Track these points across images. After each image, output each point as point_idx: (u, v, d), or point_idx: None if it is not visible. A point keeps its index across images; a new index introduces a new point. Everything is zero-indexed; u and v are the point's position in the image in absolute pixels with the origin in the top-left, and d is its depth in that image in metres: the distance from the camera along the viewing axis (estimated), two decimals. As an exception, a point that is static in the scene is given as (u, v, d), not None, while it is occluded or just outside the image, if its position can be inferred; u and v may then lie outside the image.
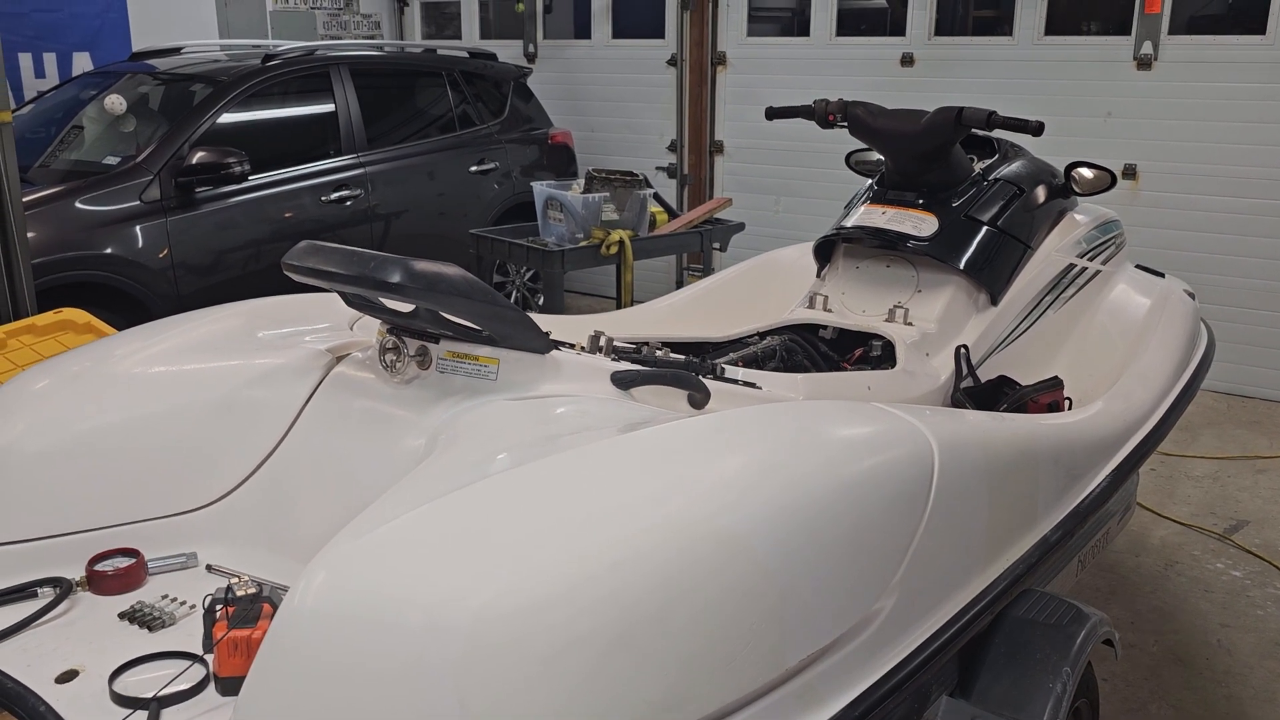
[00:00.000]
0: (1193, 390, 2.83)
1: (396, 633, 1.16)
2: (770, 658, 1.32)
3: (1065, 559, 2.49)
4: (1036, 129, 2.70)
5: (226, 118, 4.97)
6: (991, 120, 2.70)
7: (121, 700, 1.42)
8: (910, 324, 2.76)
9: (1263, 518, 3.97)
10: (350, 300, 1.94)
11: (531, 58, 7.32)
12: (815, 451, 1.51)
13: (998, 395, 2.67)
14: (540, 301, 6.32)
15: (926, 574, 1.60)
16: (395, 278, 1.66)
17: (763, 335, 2.87)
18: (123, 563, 1.73)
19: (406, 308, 1.83)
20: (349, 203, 5.29)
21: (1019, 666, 1.94)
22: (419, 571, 1.21)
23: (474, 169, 5.98)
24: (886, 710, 1.51)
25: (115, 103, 4.91)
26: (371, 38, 7.71)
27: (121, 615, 1.64)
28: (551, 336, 1.94)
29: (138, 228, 4.52)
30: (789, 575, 1.34)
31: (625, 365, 1.95)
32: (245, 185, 4.86)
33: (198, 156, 4.66)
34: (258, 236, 4.92)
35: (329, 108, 5.41)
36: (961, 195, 2.87)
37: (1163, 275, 3.28)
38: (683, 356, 2.26)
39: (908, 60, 5.99)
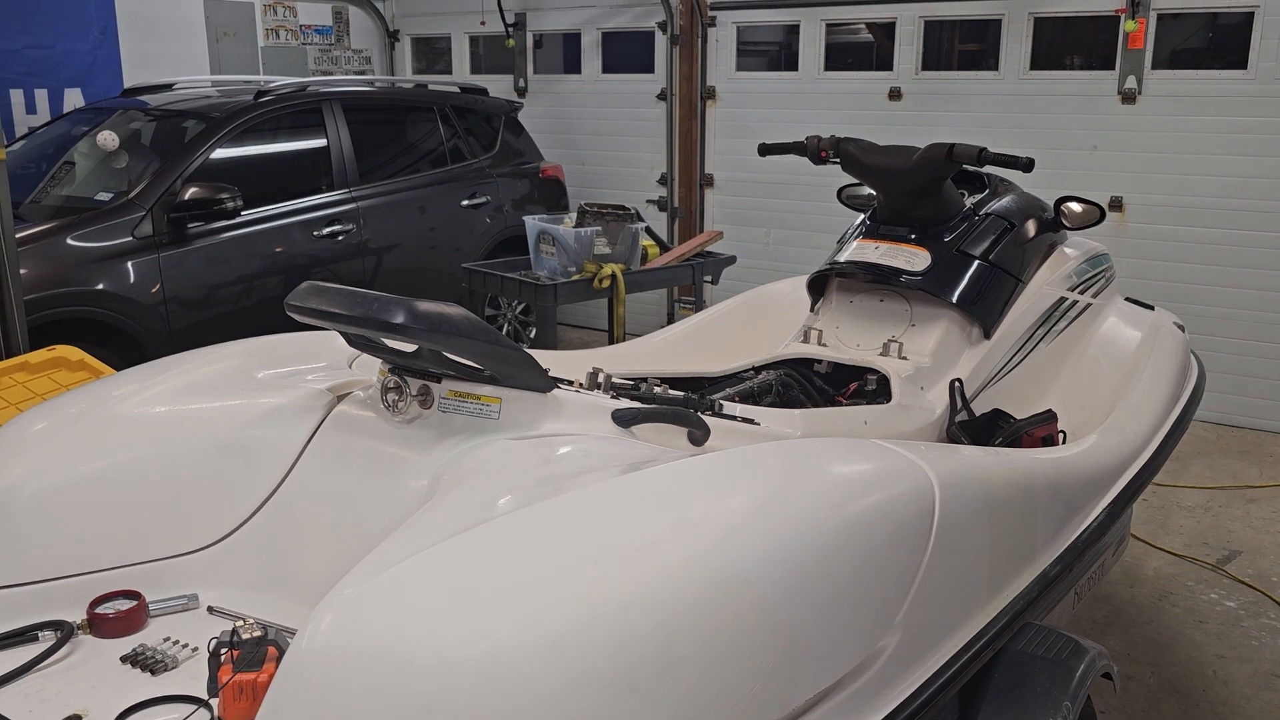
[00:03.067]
0: (1185, 423, 2.85)
1: (406, 675, 1.16)
2: (776, 697, 1.32)
3: (1063, 591, 2.50)
4: (1027, 165, 2.74)
5: (219, 153, 4.99)
6: (982, 156, 2.73)
7: (126, 746, 1.42)
8: (904, 358, 2.78)
9: (1255, 548, 3.99)
10: (352, 340, 1.95)
11: (522, 92, 7.37)
12: (817, 490, 1.52)
13: (992, 429, 2.69)
14: (532, 335, 6.33)
15: (929, 611, 1.60)
16: (399, 319, 1.67)
17: (758, 370, 2.89)
18: (124, 605, 1.72)
19: (409, 347, 1.83)
20: (341, 237, 5.30)
21: (1019, 701, 1.94)
22: (427, 614, 1.22)
23: (465, 203, 6.00)
24: (892, 749, 1.51)
25: (107, 139, 4.92)
26: (362, 73, 7.75)
27: (123, 658, 1.63)
28: (550, 374, 1.95)
29: (130, 263, 4.52)
30: (794, 615, 1.35)
31: (626, 403, 1.96)
32: (238, 221, 4.87)
33: (190, 192, 4.67)
34: (250, 272, 4.92)
35: (321, 143, 5.43)
36: (953, 230, 2.90)
37: (1152, 308, 3.31)
38: (681, 393, 2.27)
39: (895, 94, 6.06)
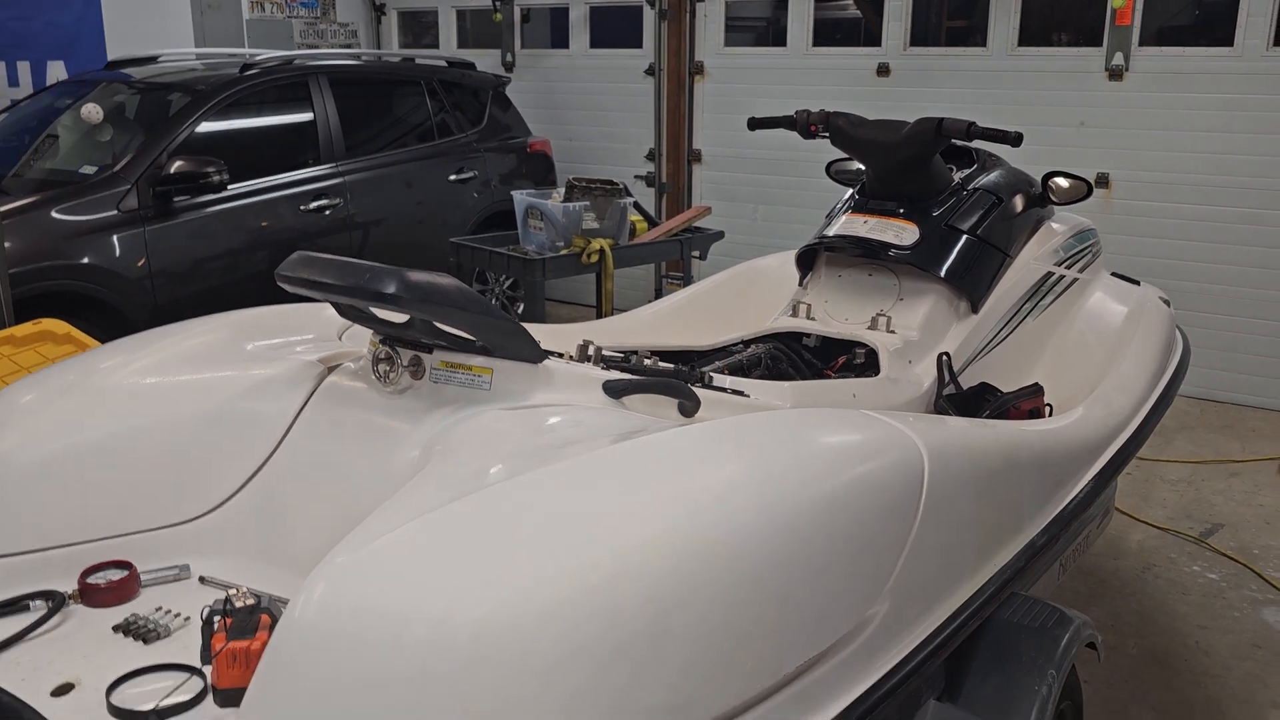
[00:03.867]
0: (1170, 396, 2.88)
1: (399, 644, 1.17)
2: (767, 664, 1.33)
3: (1048, 563, 2.52)
4: (1016, 140, 2.74)
5: (204, 127, 4.95)
6: (971, 131, 2.73)
7: (119, 713, 1.42)
8: (893, 332, 2.79)
9: (1237, 521, 4.03)
10: (343, 310, 1.94)
11: (509, 67, 7.33)
12: (808, 460, 1.53)
13: (980, 402, 2.70)
14: (520, 310, 6.33)
15: (918, 579, 1.62)
16: (391, 289, 1.66)
17: (747, 343, 2.90)
18: (115, 575, 1.73)
19: (400, 318, 1.83)
20: (328, 212, 5.28)
21: (1005, 670, 1.96)
22: (420, 583, 1.22)
23: (453, 178, 5.98)
24: (880, 715, 1.53)
25: (91, 111, 4.87)
26: (348, 46, 7.69)
27: (115, 628, 1.63)
28: (541, 347, 1.95)
29: (115, 237, 4.49)
30: (785, 583, 1.36)
31: (616, 374, 1.96)
32: (224, 194, 4.85)
33: (176, 166, 4.64)
34: (236, 246, 4.90)
35: (307, 117, 5.40)
36: (942, 205, 2.91)
37: (1138, 283, 3.33)
38: (672, 365, 2.28)
39: (883, 70, 6.05)
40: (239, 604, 1.52)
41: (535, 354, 1.86)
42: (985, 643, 1.99)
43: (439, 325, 1.81)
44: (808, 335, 2.88)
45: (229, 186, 4.83)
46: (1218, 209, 5.29)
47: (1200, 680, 3.01)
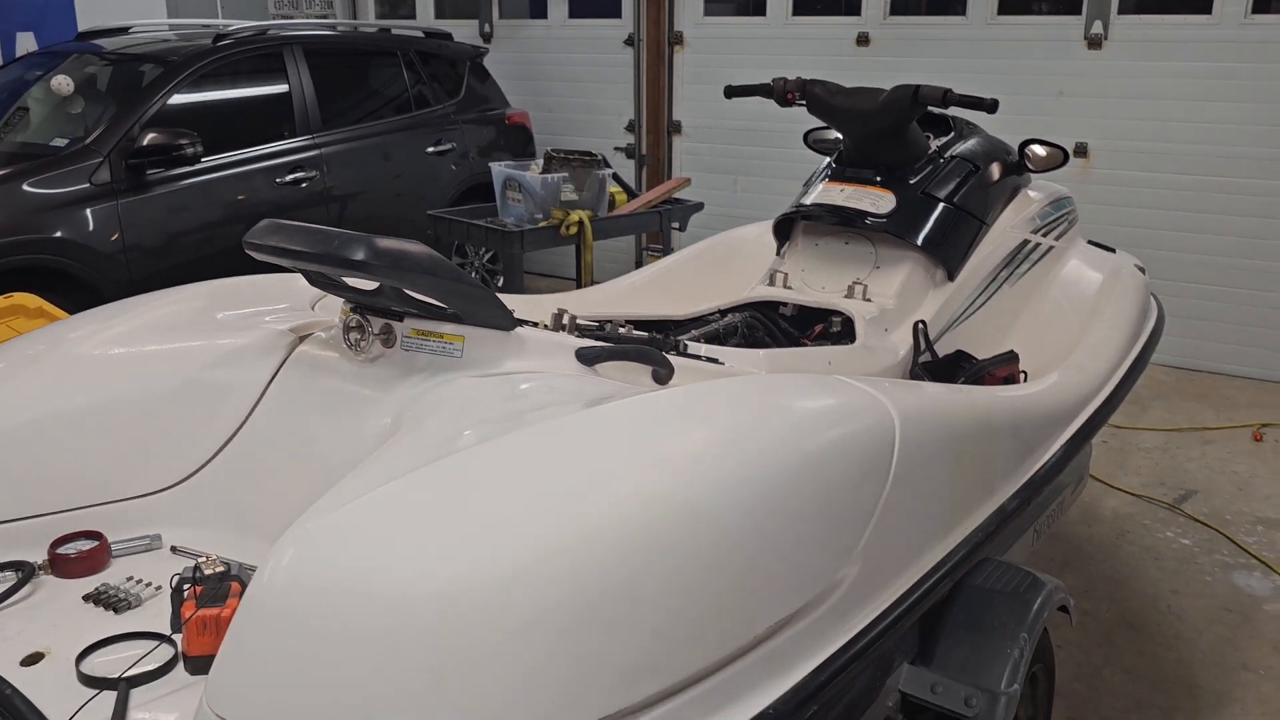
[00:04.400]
0: (1144, 362, 2.89)
1: (368, 607, 1.17)
2: (738, 626, 1.34)
3: (1022, 528, 2.54)
4: (991, 106, 2.74)
5: (177, 99, 4.89)
6: (947, 98, 2.73)
7: (89, 681, 1.42)
8: (869, 300, 2.79)
9: (1210, 487, 4.07)
10: (313, 279, 1.93)
11: (487, 37, 7.27)
12: (779, 423, 1.53)
13: (955, 369, 2.71)
14: (500, 283, 6.31)
15: (888, 542, 1.63)
16: (360, 255, 1.65)
17: (724, 313, 2.90)
18: (85, 545, 1.72)
19: (370, 286, 1.82)
20: (304, 184, 5.23)
21: (978, 634, 1.98)
22: (389, 546, 1.22)
23: (430, 150, 5.93)
24: (850, 677, 1.54)
25: (62, 83, 4.81)
26: (324, 17, 7.60)
27: (86, 598, 1.63)
28: (514, 315, 1.94)
29: (88, 211, 4.44)
30: (755, 545, 1.36)
31: (589, 342, 1.96)
32: (198, 167, 4.80)
33: (149, 138, 4.58)
34: (212, 219, 4.86)
35: (282, 88, 5.34)
36: (918, 172, 2.91)
37: (1114, 250, 3.34)
38: (646, 333, 2.28)
39: (863, 40, 6.02)
40: (208, 571, 1.51)
41: (507, 321, 1.85)
42: (958, 607, 2.01)
43: (409, 293, 1.80)
44: (784, 304, 2.88)
45: (203, 159, 4.78)
46: (1195, 178, 5.31)
47: (1172, 644, 3.05)
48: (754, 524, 1.37)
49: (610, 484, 1.31)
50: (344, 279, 1.86)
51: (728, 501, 1.35)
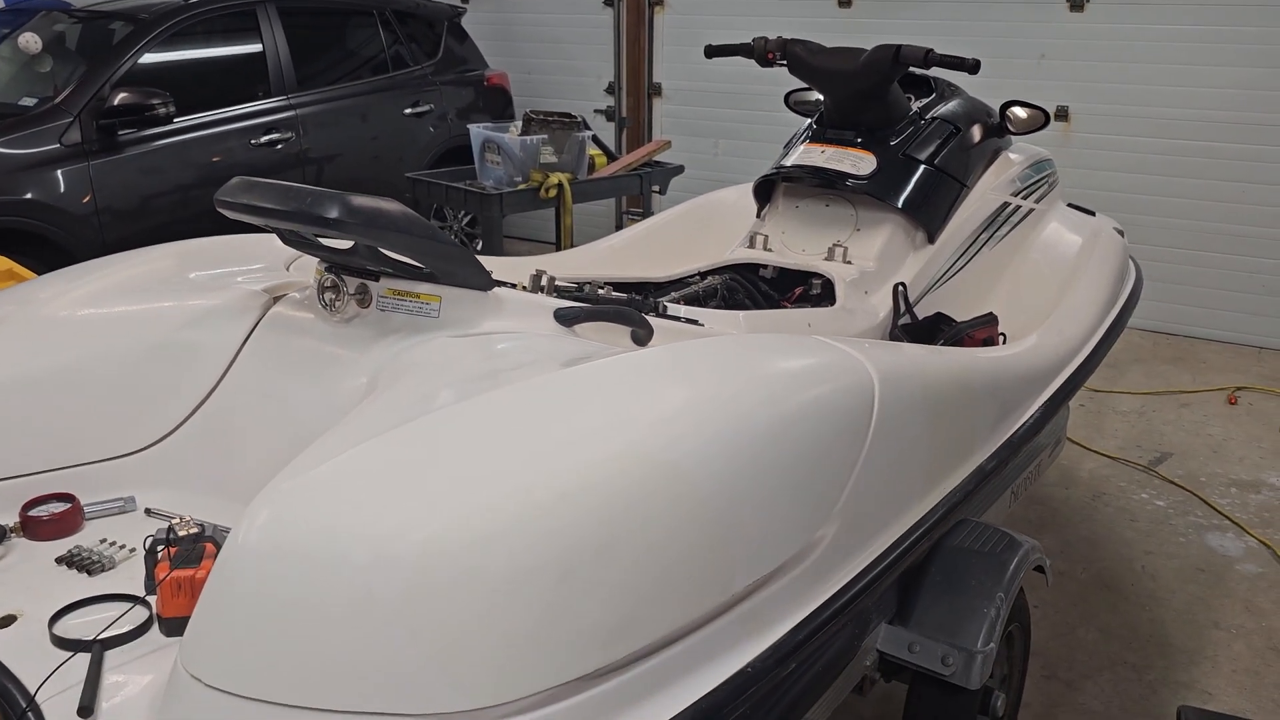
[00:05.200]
0: (1121, 324, 2.91)
1: (344, 567, 1.16)
2: (716, 585, 1.34)
3: (999, 490, 2.56)
4: (973, 66, 2.72)
5: (149, 58, 4.81)
6: (929, 58, 2.70)
7: (63, 643, 1.40)
8: (849, 262, 2.79)
9: (1185, 450, 4.11)
10: (286, 238, 1.90)
11: (465, -3, 7.17)
12: (758, 383, 1.52)
13: (934, 331, 2.71)
14: (479, 246, 6.26)
15: (867, 502, 1.63)
16: (333, 213, 1.63)
17: (704, 275, 2.88)
18: (58, 508, 1.70)
19: (345, 245, 1.80)
20: (279, 146, 5.16)
21: (955, 593, 2.00)
22: (365, 506, 1.20)
23: (408, 111, 5.86)
24: (828, 635, 1.55)
25: (30, 41, 4.72)
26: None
27: (59, 560, 1.61)
28: (493, 276, 1.92)
29: (58, 172, 4.37)
30: (733, 505, 1.36)
31: (568, 302, 1.94)
32: (171, 128, 4.73)
33: (120, 98, 4.51)
34: (185, 181, 4.79)
35: (256, 48, 5.25)
36: (899, 134, 2.89)
37: (1093, 213, 3.34)
38: (625, 295, 2.26)
39: (845, 2, 5.97)
40: (183, 533, 1.50)
41: (484, 281, 1.83)
42: (936, 567, 2.02)
43: (385, 252, 1.77)
44: (765, 266, 2.87)
45: (176, 120, 4.71)
46: (1175, 142, 5.31)
47: (1145, 603, 3.08)
48: (732, 483, 1.36)
49: (588, 443, 1.30)
50: (319, 238, 1.84)
51: (706, 461, 1.34)
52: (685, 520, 1.30)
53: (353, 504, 1.21)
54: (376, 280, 1.84)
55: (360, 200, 1.65)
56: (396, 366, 1.68)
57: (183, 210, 4.78)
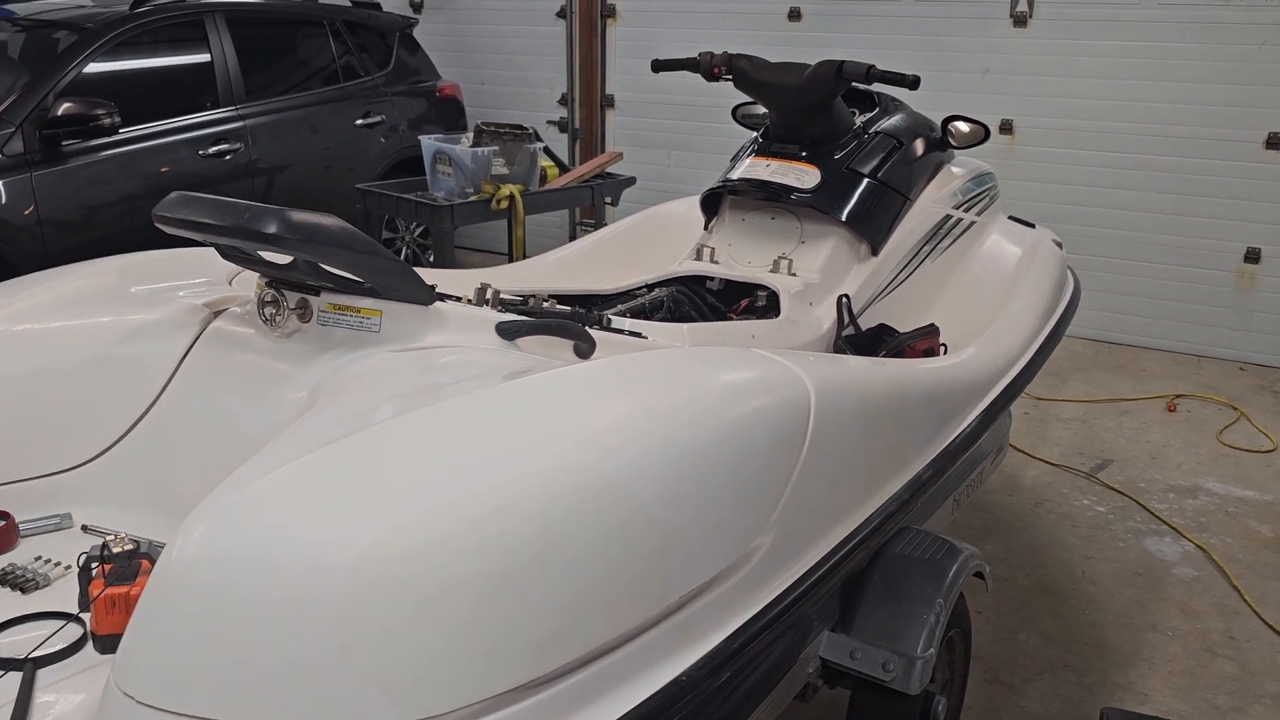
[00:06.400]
0: (1059, 334, 2.97)
1: (278, 578, 1.16)
2: (650, 595, 1.36)
3: (940, 497, 2.60)
4: (914, 83, 2.77)
5: (94, 67, 4.75)
6: (871, 74, 2.75)
7: (-6, 662, 1.39)
8: (794, 274, 2.82)
9: (1125, 456, 4.20)
10: (227, 253, 1.90)
11: (417, 8, 7.16)
12: (694, 396, 1.54)
13: (877, 342, 2.76)
14: (431, 258, 6.24)
15: (803, 512, 1.65)
16: (272, 229, 1.63)
17: (651, 287, 2.90)
18: (-8, 525, 1.68)
19: (285, 259, 1.80)
20: (228, 156, 5.12)
21: (895, 600, 2.03)
22: (301, 519, 1.21)
23: (359, 122, 5.84)
24: (766, 642, 1.57)
25: (-29, 50, 4.64)
26: (249, -15, 7.40)
27: (-8, 578, 1.60)
28: (438, 290, 1.93)
29: (0, 183, 4.31)
30: (668, 516, 1.38)
31: (510, 316, 1.95)
32: (117, 138, 4.67)
33: (64, 108, 4.45)
34: (132, 192, 4.73)
35: (204, 58, 5.21)
36: (843, 148, 2.93)
37: (1033, 225, 3.41)
38: (569, 308, 2.28)
39: (795, 15, 6.05)
40: (117, 549, 1.49)
41: (425, 295, 1.84)
42: (877, 575, 2.05)
43: (325, 267, 1.78)
44: (711, 278, 2.90)
45: (122, 130, 4.66)
46: (1114, 155, 5.44)
47: (1085, 608, 3.15)
48: (667, 495, 1.38)
49: (523, 456, 1.31)
50: (259, 253, 1.84)
51: (641, 473, 1.36)
52: (619, 531, 1.32)
53: (290, 517, 1.21)
54: (317, 295, 1.84)
55: (299, 216, 1.66)
56: (337, 381, 1.68)
57: (129, 221, 4.73)
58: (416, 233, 6.27)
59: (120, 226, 4.70)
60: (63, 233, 4.49)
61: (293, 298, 1.84)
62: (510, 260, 5.09)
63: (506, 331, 1.89)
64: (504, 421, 1.40)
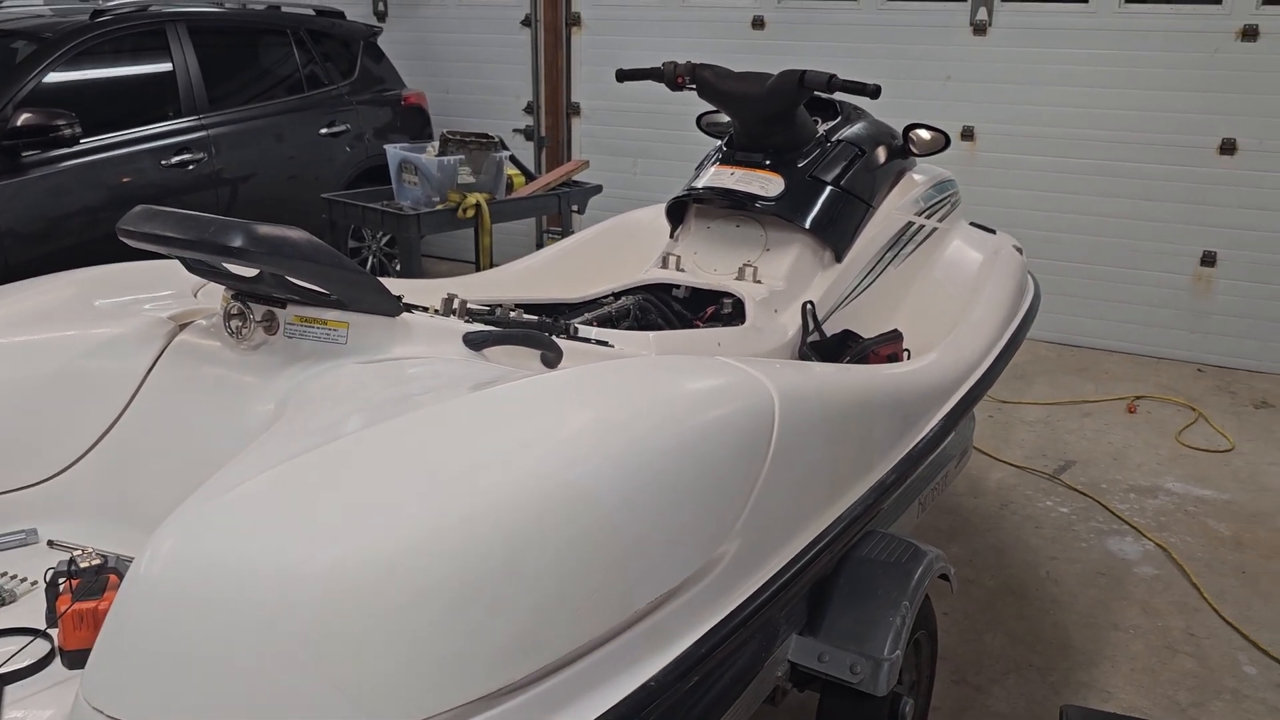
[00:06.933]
0: (1020, 338, 3.02)
1: (247, 588, 1.16)
2: (617, 603, 1.37)
3: (905, 501, 2.64)
4: (874, 92, 2.81)
5: (53, 77, 4.71)
6: (832, 83, 2.79)
7: (-41, 680, 1.38)
8: (759, 282, 2.85)
9: (1088, 458, 4.26)
10: (192, 266, 1.89)
11: (381, 16, 7.15)
12: (660, 404, 1.56)
13: (842, 348, 2.79)
14: (397, 267, 6.22)
15: (769, 519, 1.68)
16: (237, 242, 1.63)
17: (617, 295, 2.92)
18: (-45, 542, 1.67)
19: (251, 272, 1.80)
20: (191, 166, 5.09)
21: (861, 603, 2.06)
22: (271, 531, 1.21)
23: (324, 131, 5.82)
24: (733, 647, 1.59)
25: (-72, 60, 4.58)
26: (211, -7, 7.36)
27: (-44, 595, 1.59)
28: (405, 300, 1.94)
29: (-41, 194, 4.26)
30: (635, 524, 1.39)
31: (477, 326, 1.96)
32: (78, 149, 4.63)
33: (23, 118, 4.41)
34: (94, 203, 4.69)
35: (166, 67, 5.17)
36: (806, 156, 2.97)
37: (994, 231, 3.46)
38: (536, 317, 2.29)
39: (759, 23, 6.10)
40: (85, 564, 1.48)
41: (392, 307, 1.85)
42: (843, 578, 2.08)
43: (290, 279, 1.78)
44: (677, 286, 2.92)
45: (83, 140, 4.62)
46: (1074, 161, 5.52)
47: (1049, 608, 3.19)
48: (634, 502, 1.40)
49: (490, 466, 1.33)
50: (224, 266, 1.83)
51: (607, 481, 1.38)
52: (588, 541, 1.33)
53: (259, 529, 1.22)
54: (283, 307, 1.84)
55: (265, 229, 1.66)
56: (304, 393, 1.69)
57: (91, 233, 4.68)
58: (383, 242, 6.25)
59: (82, 238, 4.65)
60: (23, 244, 4.44)
61: (259, 310, 1.84)
62: (478, 268, 5.10)
63: (473, 342, 1.90)
64: (470, 432, 1.41)
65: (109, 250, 4.56)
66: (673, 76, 3.05)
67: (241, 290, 1.86)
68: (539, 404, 1.51)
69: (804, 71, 2.81)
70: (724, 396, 1.64)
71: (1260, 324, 5.30)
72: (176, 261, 2.21)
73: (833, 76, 2.78)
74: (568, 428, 1.44)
